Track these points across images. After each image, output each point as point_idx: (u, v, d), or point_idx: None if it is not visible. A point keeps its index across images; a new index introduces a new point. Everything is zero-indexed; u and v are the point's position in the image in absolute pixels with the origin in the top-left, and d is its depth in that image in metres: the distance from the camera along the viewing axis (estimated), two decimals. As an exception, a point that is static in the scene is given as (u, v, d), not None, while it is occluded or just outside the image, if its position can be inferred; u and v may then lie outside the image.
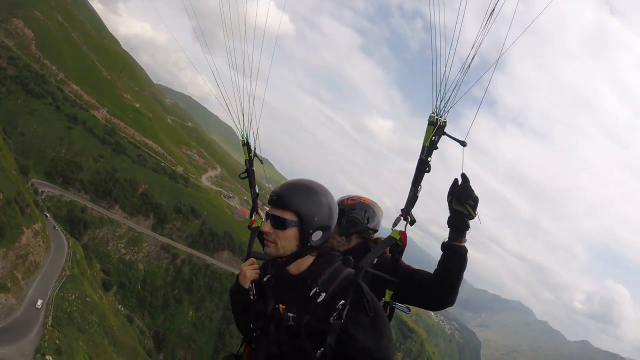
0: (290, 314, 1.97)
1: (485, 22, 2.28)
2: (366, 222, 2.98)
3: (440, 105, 2.41)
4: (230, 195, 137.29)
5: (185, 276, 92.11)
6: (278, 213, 1.99)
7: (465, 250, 2.40)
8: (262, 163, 3.28)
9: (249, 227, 2.95)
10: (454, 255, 2.40)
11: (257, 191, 3.15)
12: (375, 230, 3.04)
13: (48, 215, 74.88)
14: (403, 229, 2.46)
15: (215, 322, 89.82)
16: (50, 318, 52.01)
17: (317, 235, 2.01)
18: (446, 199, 2.39)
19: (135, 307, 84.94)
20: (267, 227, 2.04)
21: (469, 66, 2.31)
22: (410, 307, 2.79)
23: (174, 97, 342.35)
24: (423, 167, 2.45)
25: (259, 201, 3.08)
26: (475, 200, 2.31)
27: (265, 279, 2.23)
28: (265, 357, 2.08)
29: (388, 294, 2.63)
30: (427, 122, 2.43)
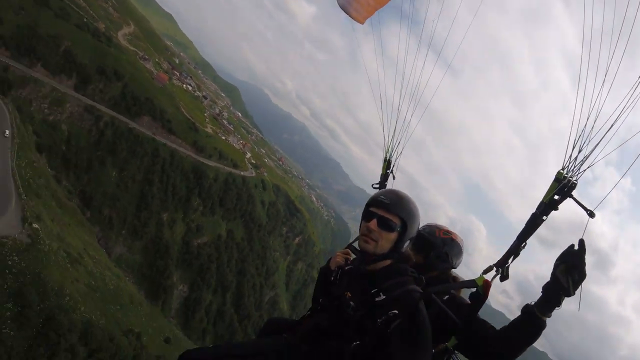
0: (352, 303, 2.20)
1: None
2: (451, 261, 2.99)
3: (574, 161, 2.21)
4: (146, 57, 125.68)
5: (109, 138, 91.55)
6: (388, 216, 2.22)
7: (544, 325, 2.20)
8: (394, 179, 3.66)
9: None
10: (532, 326, 2.22)
11: None
12: (455, 268, 3.06)
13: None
14: (490, 280, 2.34)
15: (137, 183, 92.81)
16: (21, 188, 55.02)
17: (406, 243, 2.27)
18: (554, 262, 2.16)
19: (61, 168, 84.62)
20: (374, 225, 2.23)
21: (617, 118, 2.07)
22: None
23: None
24: (535, 223, 2.31)
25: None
26: (581, 276, 2.08)
27: (346, 268, 2.53)
28: (312, 326, 2.38)
29: (452, 340, 2.54)
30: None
